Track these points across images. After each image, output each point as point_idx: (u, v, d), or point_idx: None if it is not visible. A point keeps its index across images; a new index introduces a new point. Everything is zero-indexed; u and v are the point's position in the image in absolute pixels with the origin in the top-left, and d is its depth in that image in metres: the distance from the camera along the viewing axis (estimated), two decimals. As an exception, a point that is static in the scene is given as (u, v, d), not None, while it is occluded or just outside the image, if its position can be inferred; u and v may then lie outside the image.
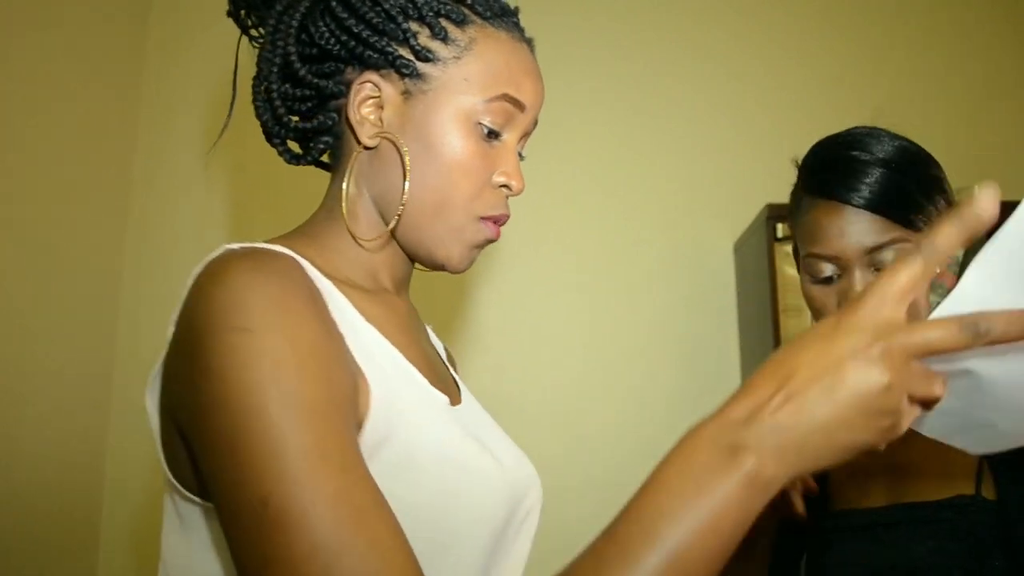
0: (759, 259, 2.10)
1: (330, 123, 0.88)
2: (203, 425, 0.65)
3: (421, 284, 1.04)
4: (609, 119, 2.41)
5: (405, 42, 0.84)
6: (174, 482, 0.74)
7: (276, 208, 2.35)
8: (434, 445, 0.76)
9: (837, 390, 0.56)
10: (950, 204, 1.14)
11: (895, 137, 1.13)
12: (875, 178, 1.08)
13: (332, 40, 0.85)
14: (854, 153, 1.12)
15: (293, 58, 0.86)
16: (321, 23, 0.86)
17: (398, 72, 0.84)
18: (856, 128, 1.16)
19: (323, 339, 0.68)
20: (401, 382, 0.79)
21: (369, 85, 0.85)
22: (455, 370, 1.05)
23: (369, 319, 0.81)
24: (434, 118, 0.83)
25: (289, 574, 0.58)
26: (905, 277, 0.58)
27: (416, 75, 0.84)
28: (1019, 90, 2.43)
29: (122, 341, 2.26)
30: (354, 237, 0.87)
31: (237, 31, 0.99)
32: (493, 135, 0.85)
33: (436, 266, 0.89)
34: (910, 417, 0.58)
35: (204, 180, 2.37)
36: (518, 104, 0.86)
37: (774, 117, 2.40)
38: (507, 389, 2.22)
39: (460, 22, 0.85)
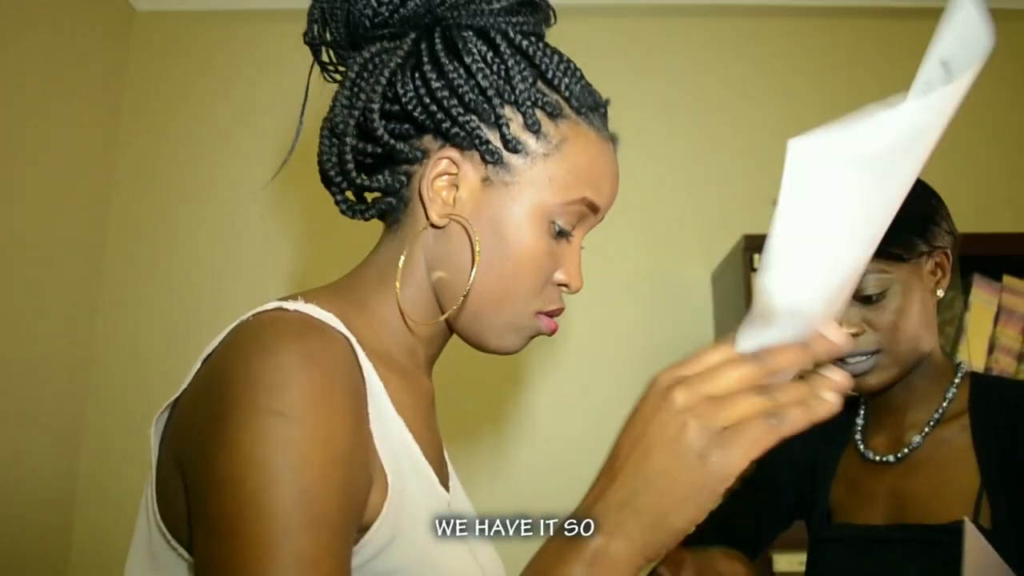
0: (736, 289, 2.11)
1: (397, 186, 0.84)
2: (209, 494, 0.62)
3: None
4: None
5: (496, 127, 0.80)
6: (161, 525, 0.71)
7: (263, 214, 2.35)
8: (430, 555, 0.75)
9: (650, 453, 0.59)
10: (945, 231, 1.17)
11: None
12: None
13: (419, 106, 0.81)
14: None
15: (375, 114, 0.81)
16: (411, 84, 0.81)
17: (482, 157, 0.81)
18: None
19: (353, 442, 0.66)
20: (416, 485, 0.77)
21: (447, 161, 0.82)
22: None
23: (399, 409, 0.78)
24: (511, 210, 0.80)
25: None
26: (713, 357, 0.61)
27: (500, 164, 0.80)
28: (986, 126, 2.48)
29: (99, 344, 2.24)
30: (403, 314, 0.84)
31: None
32: (563, 234, 0.83)
33: (488, 351, 0.86)
34: (730, 447, 0.58)
35: (187, 185, 2.37)
36: (594, 207, 0.84)
37: (752, 150, 2.44)
38: (483, 422, 2.22)
39: (554, 115, 0.81)
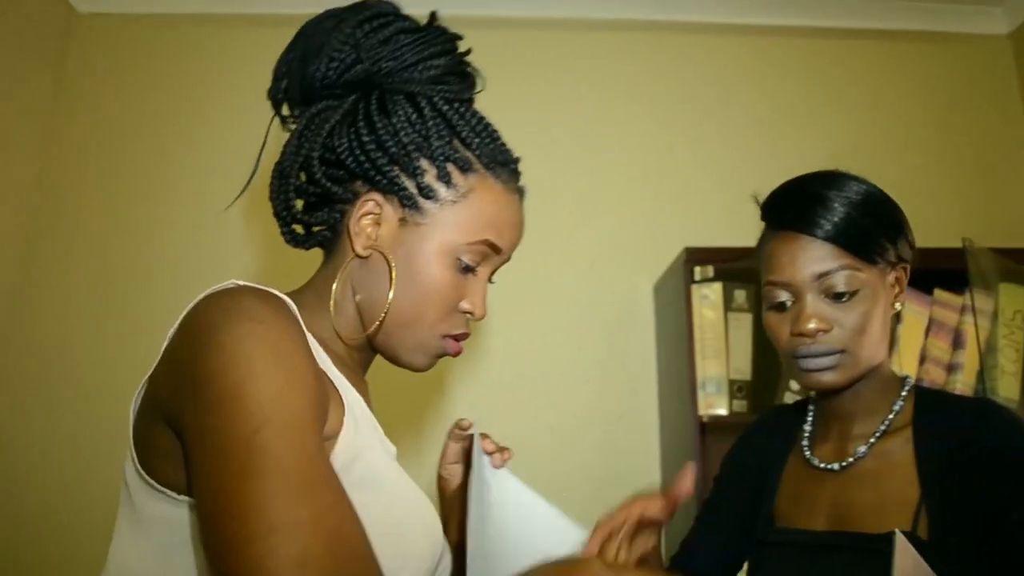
0: (677, 300, 2.14)
1: (331, 221, 0.99)
2: (200, 394, 0.72)
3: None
4: (534, 163, 2.44)
5: (413, 177, 0.95)
6: (147, 477, 0.79)
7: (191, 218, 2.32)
8: (392, 477, 0.87)
9: None
10: (910, 245, 1.20)
11: (855, 176, 1.19)
12: (828, 208, 1.14)
13: (350, 156, 0.95)
14: (809, 187, 1.18)
15: (315, 160, 0.96)
16: (345, 137, 0.96)
17: (400, 201, 0.95)
18: (819, 170, 1.22)
19: (311, 358, 0.79)
20: (364, 421, 0.89)
21: (372, 203, 0.96)
22: None
23: (344, 374, 0.91)
24: (422, 248, 0.94)
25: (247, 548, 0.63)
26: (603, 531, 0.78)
27: (415, 207, 0.95)
28: (919, 143, 2.56)
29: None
30: (336, 331, 0.97)
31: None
32: (468, 269, 0.97)
33: (400, 366, 1.01)
34: None
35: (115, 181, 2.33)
36: (496, 249, 0.98)
37: (694, 164, 2.48)
38: (427, 428, 2.22)
39: (465, 169, 0.96)
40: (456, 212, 0.95)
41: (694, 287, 2.10)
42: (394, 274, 0.94)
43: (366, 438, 0.86)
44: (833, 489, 1.18)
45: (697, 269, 2.11)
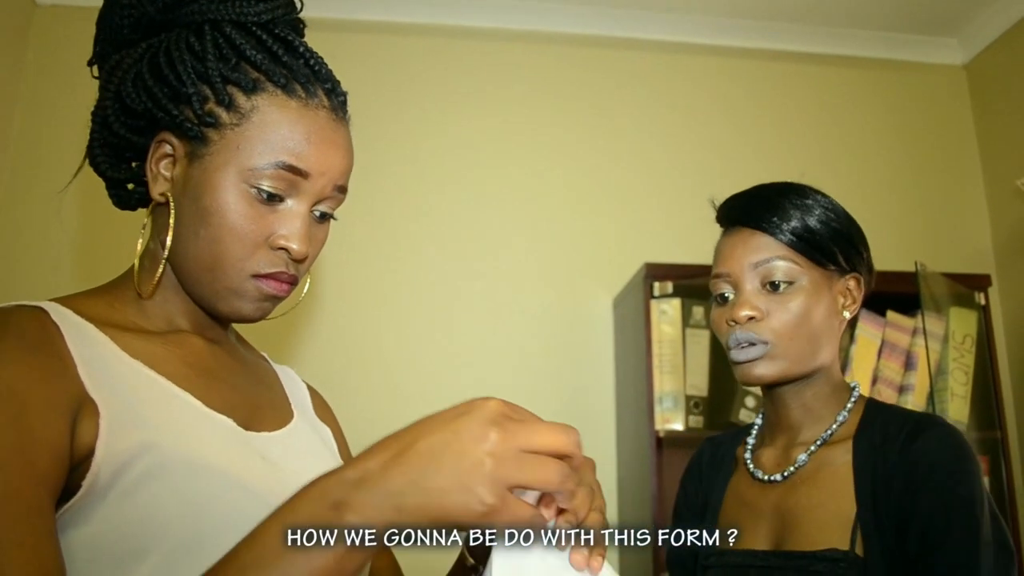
0: (636, 315, 2.16)
1: (141, 175, 0.92)
2: None
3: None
4: (495, 177, 2.45)
5: (193, 105, 0.86)
6: None
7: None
8: (190, 455, 0.78)
9: (444, 459, 0.60)
10: (864, 259, 1.21)
11: (816, 190, 1.20)
12: (778, 208, 1.15)
13: (136, 99, 0.89)
14: (764, 191, 1.20)
15: (110, 112, 0.91)
16: (131, 84, 0.89)
17: (185, 134, 0.87)
18: (784, 181, 1.23)
19: (28, 387, 0.72)
20: (162, 404, 0.81)
21: (165, 144, 0.89)
22: (322, 411, 1.08)
23: (136, 355, 0.84)
24: (209, 181, 0.86)
25: None
26: (544, 435, 0.64)
27: (199, 138, 0.86)
28: (873, 168, 2.61)
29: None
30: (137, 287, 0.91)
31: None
32: (275, 199, 0.87)
33: (229, 319, 0.93)
34: (513, 508, 0.61)
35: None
36: (298, 172, 0.86)
37: (656, 181, 2.50)
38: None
39: (249, 90, 0.86)
40: (239, 135, 0.85)
41: (653, 302, 2.12)
42: (173, 215, 0.87)
43: (155, 425, 0.79)
44: (775, 500, 1.17)
45: (656, 285, 2.13)
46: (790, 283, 1.13)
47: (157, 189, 0.89)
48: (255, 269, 0.87)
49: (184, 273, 0.89)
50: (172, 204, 0.87)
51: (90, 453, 0.73)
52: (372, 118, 2.36)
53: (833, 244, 1.16)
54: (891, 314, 2.21)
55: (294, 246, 0.87)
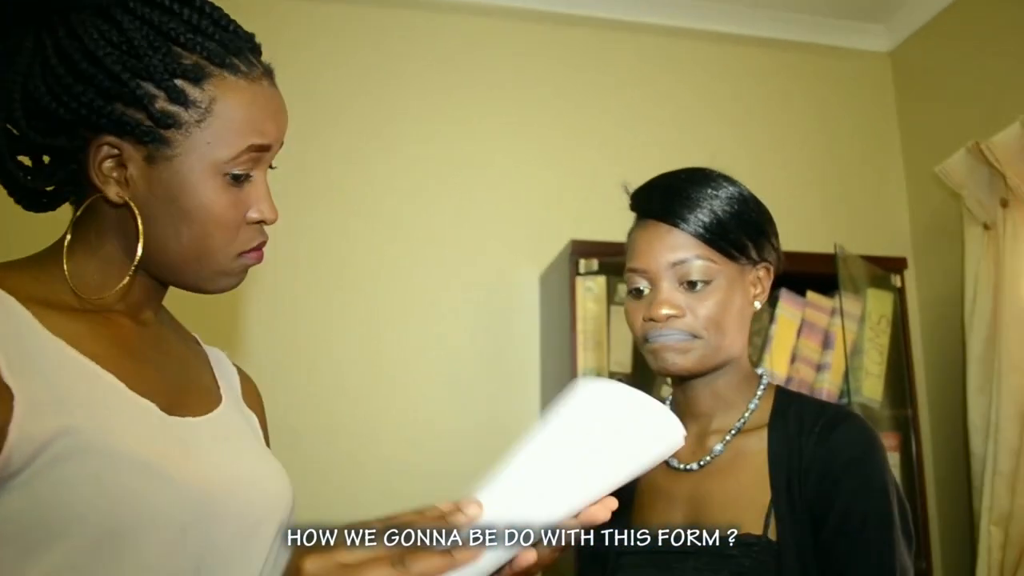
0: (561, 291, 2.17)
1: (67, 176, 0.87)
2: None
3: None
4: (424, 149, 2.43)
5: (142, 108, 0.81)
6: None
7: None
8: (110, 441, 0.76)
9: None
10: (773, 248, 1.22)
11: (726, 177, 1.20)
12: (691, 201, 1.16)
13: (57, 104, 0.81)
14: (676, 181, 1.20)
15: (16, 114, 0.82)
16: (42, 85, 0.81)
17: (137, 138, 0.82)
18: (693, 167, 1.23)
19: None
20: (83, 386, 0.78)
21: (106, 147, 0.83)
22: (251, 398, 1.05)
23: (59, 334, 0.80)
24: (185, 181, 0.83)
25: None
26: (353, 556, 0.68)
27: (159, 141, 0.82)
28: (796, 151, 2.65)
29: None
30: (75, 288, 0.85)
31: None
32: (243, 178, 0.86)
33: (211, 292, 0.92)
34: None
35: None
36: (263, 148, 0.87)
37: (583, 158, 2.51)
38: (314, 411, 2.18)
39: (197, 79, 0.82)
40: (206, 131, 0.82)
41: (578, 279, 2.13)
42: (141, 218, 0.83)
43: (76, 410, 0.75)
44: (689, 487, 1.19)
45: (582, 262, 2.13)
46: (707, 282, 1.15)
47: (112, 192, 0.84)
48: (240, 248, 0.88)
49: (163, 267, 0.88)
50: (136, 208, 0.84)
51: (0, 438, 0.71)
52: (298, 85, 2.32)
53: (746, 237, 1.17)
54: (811, 294, 2.25)
55: (269, 216, 0.89)
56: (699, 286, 1.15)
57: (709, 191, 1.17)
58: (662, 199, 1.18)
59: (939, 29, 2.61)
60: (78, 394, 0.77)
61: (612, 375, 2.13)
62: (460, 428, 2.26)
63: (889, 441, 2.21)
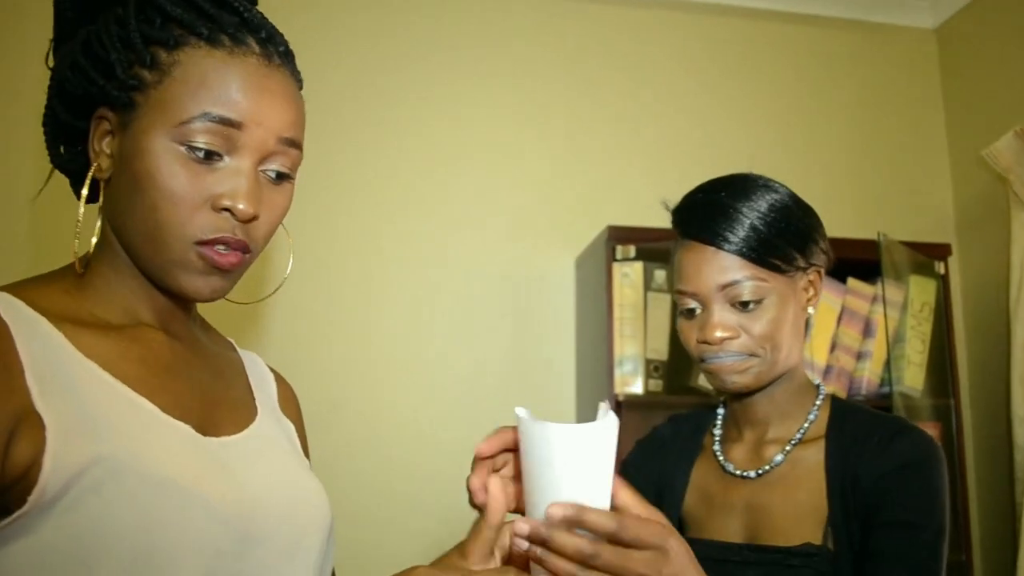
0: (598, 277, 2.14)
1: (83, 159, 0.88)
2: None
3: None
4: (459, 136, 2.40)
5: (120, 72, 0.82)
6: None
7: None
8: (145, 467, 0.74)
9: None
10: (822, 250, 1.20)
11: (767, 183, 1.18)
12: (734, 220, 1.13)
13: (74, 82, 0.85)
14: (718, 196, 1.17)
15: (56, 104, 0.88)
16: (68, 70, 0.86)
17: (114, 103, 0.83)
18: (732, 175, 1.21)
19: None
20: (117, 412, 0.77)
21: (103, 121, 0.85)
22: (287, 405, 1.04)
23: (92, 356, 0.79)
24: (138, 145, 0.81)
25: None
26: None
27: (127, 104, 0.82)
28: (834, 135, 2.59)
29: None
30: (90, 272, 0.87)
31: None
32: (212, 156, 0.81)
33: (182, 296, 0.86)
34: None
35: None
36: (230, 123, 0.81)
37: (622, 143, 2.47)
38: (344, 396, 2.18)
39: (171, 46, 0.82)
40: (162, 92, 0.80)
41: (615, 265, 2.10)
42: (112, 189, 0.84)
43: (110, 437, 0.74)
44: (747, 495, 1.19)
45: (619, 248, 2.11)
46: (759, 301, 1.13)
47: (103, 166, 0.84)
48: (197, 235, 0.81)
49: (131, 249, 0.85)
50: (112, 180, 0.84)
51: (31, 468, 0.70)
52: (324, 75, 2.30)
53: (793, 248, 1.15)
54: (852, 281, 2.21)
55: (240, 205, 0.81)
56: (751, 305, 1.13)
57: (751, 204, 1.14)
58: (703, 219, 1.16)
59: (987, 4, 2.53)
60: (111, 420, 0.76)
61: (649, 363, 2.11)
62: (493, 416, 2.24)
63: (929, 431, 2.16)
